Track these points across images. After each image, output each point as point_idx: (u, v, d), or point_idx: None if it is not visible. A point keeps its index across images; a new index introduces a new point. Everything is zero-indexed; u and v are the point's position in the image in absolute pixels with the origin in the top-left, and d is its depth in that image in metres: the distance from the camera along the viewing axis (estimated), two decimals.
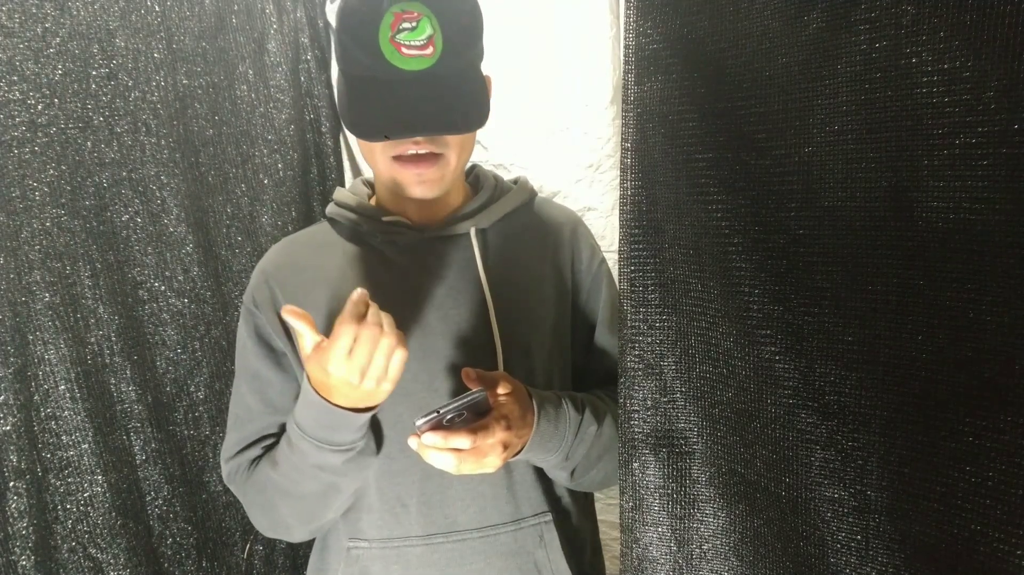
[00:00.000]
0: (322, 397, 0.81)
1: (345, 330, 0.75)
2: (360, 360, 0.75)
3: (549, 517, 0.99)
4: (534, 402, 0.88)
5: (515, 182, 1.09)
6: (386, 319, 0.77)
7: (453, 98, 0.86)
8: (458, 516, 0.95)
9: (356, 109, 0.88)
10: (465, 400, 0.80)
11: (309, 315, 0.80)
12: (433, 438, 0.78)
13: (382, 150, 0.92)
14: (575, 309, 1.04)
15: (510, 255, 1.01)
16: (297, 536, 0.99)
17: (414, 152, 0.90)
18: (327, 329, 0.96)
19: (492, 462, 0.82)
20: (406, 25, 0.83)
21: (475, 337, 0.96)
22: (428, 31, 0.83)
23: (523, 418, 0.85)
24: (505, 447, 0.82)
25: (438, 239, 0.98)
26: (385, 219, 0.98)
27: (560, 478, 0.98)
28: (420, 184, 0.92)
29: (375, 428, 0.95)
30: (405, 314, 0.95)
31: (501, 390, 0.85)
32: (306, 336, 0.80)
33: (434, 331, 0.96)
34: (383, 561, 0.97)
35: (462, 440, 0.78)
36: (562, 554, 0.98)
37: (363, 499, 0.98)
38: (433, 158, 0.90)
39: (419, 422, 0.78)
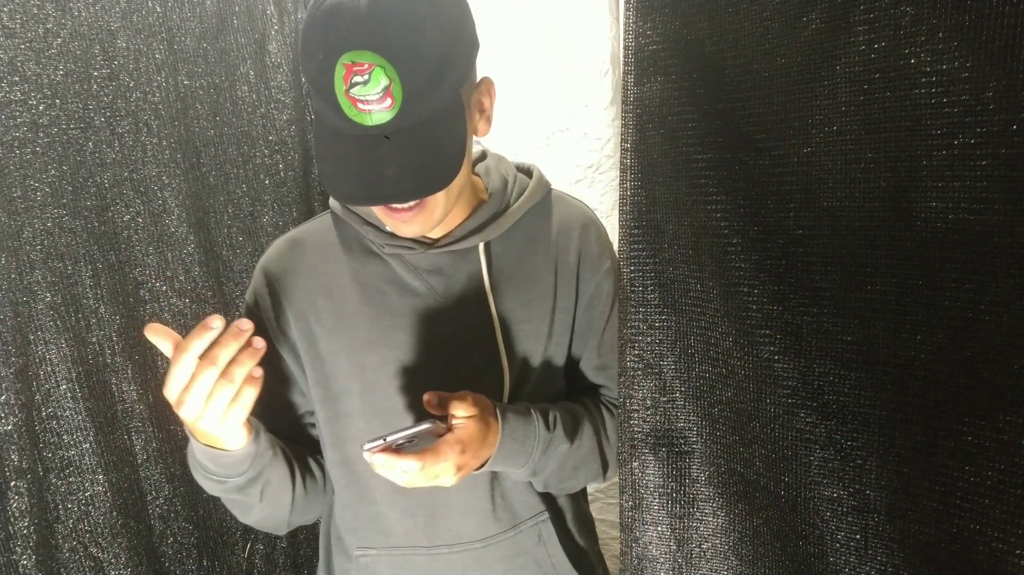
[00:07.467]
0: None
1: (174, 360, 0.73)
2: (171, 390, 0.74)
3: (546, 516, 1.00)
4: (499, 422, 0.89)
5: (529, 174, 1.03)
6: (223, 352, 0.73)
7: (420, 154, 0.78)
8: (460, 529, 0.97)
9: (323, 164, 0.82)
10: (414, 430, 0.81)
11: (173, 334, 0.76)
12: (383, 458, 0.79)
13: None
14: (577, 314, 1.02)
15: (517, 266, 0.98)
16: (275, 530, 1.01)
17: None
18: (335, 336, 0.96)
19: (446, 480, 0.83)
20: (357, 79, 0.74)
21: (480, 350, 0.95)
22: (383, 82, 0.73)
23: (483, 439, 0.86)
24: (459, 468, 0.83)
25: (446, 253, 0.95)
26: (390, 230, 0.94)
27: (535, 485, 1.00)
28: (407, 227, 0.87)
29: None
30: (412, 327, 0.95)
31: (463, 412, 0.85)
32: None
33: (440, 344, 0.95)
34: (391, 567, 0.99)
35: (411, 463, 0.79)
36: (560, 547, 1.01)
37: (371, 509, 0.99)
38: (416, 207, 0.85)
39: (366, 447, 0.80)
